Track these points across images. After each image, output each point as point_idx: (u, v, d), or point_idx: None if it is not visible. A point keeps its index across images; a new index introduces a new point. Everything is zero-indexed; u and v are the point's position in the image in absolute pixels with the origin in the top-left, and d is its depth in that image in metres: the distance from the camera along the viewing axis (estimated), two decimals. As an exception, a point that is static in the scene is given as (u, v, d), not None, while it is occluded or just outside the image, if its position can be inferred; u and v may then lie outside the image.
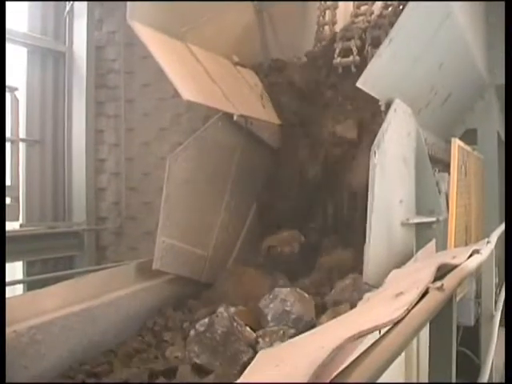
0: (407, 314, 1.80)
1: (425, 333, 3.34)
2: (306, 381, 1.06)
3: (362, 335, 1.41)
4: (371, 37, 5.99)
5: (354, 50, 6.04)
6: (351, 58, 6.04)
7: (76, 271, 7.47)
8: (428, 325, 2.77)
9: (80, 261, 8.20)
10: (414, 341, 3.44)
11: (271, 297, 4.49)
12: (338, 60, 6.12)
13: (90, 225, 8.34)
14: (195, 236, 5.18)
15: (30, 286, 7.05)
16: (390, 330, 1.68)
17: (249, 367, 1.75)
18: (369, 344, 1.59)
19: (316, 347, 1.34)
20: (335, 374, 1.31)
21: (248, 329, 4.10)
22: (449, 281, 2.45)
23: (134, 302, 4.62)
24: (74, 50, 8.41)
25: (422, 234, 5.07)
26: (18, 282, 7.41)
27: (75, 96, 8.39)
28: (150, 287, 4.88)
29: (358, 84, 4.42)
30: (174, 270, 5.00)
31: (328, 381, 1.24)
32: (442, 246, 5.01)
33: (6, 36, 7.32)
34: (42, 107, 8.16)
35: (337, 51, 6.16)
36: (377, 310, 2.20)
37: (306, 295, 4.59)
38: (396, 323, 1.71)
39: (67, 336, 3.91)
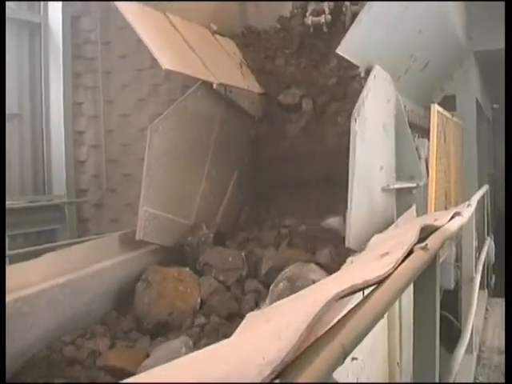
0: (394, 270, 1.83)
1: (406, 296, 3.40)
2: (303, 329, 1.08)
3: (353, 290, 1.44)
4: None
5: (327, 10, 6.00)
6: (323, 16, 6.00)
7: (58, 244, 7.45)
8: (411, 287, 2.82)
9: (61, 234, 8.18)
10: (396, 304, 3.50)
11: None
12: (309, 19, 6.08)
13: (70, 198, 8.30)
14: (177, 205, 5.18)
15: (12, 259, 7.02)
16: (376, 288, 1.71)
17: (238, 328, 1.76)
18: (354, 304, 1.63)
19: (307, 303, 1.37)
20: (326, 329, 1.35)
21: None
22: (432, 241, 2.49)
23: (118, 272, 4.63)
24: (50, 21, 8.28)
25: (403, 199, 5.13)
26: (0, 256, 7.39)
27: (52, 68, 8.29)
28: (134, 258, 4.89)
29: (338, 51, 4.43)
30: (157, 239, 5.00)
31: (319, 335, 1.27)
32: (422, 211, 5.08)
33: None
34: (18, 80, 8.06)
35: (309, 10, 6.13)
36: (364, 268, 2.23)
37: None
38: (382, 280, 1.74)
39: (53, 308, 3.91)
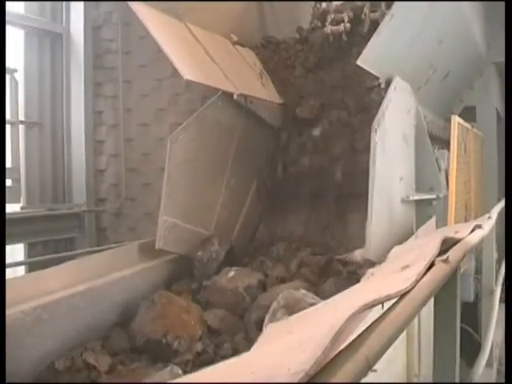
0: (416, 284, 1.83)
1: (425, 308, 3.37)
2: (327, 342, 1.08)
3: (376, 303, 1.44)
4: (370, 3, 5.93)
5: (346, 18, 5.99)
6: (342, 25, 5.99)
7: (77, 252, 7.50)
8: (431, 300, 2.81)
9: (80, 242, 8.23)
10: (415, 317, 3.48)
11: None
12: (328, 28, 6.08)
13: (89, 206, 8.36)
14: (197, 215, 5.20)
15: (32, 267, 7.08)
16: (398, 300, 1.71)
17: (258, 339, 1.76)
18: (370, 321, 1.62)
19: (329, 316, 1.37)
20: (348, 341, 1.35)
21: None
22: (453, 254, 2.48)
23: (137, 281, 4.65)
24: (72, 31, 8.37)
25: (422, 210, 5.11)
26: (20, 263, 7.45)
27: (73, 77, 8.37)
28: (153, 267, 4.90)
29: (359, 62, 4.43)
30: (176, 248, 5.02)
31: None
32: (442, 223, 5.06)
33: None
34: (40, 89, 8.14)
35: (328, 20, 6.13)
36: (385, 281, 2.22)
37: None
38: (404, 294, 1.74)
39: (73, 315, 3.93)
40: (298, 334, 1.38)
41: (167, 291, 4.66)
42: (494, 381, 5.44)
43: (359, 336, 1.35)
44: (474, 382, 4.08)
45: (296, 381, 0.93)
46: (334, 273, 4.80)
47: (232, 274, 4.80)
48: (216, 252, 5.09)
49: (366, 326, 1.49)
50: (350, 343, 1.29)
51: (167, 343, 4.00)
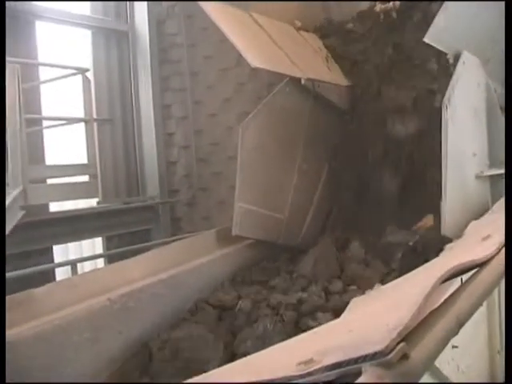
0: (499, 251, 1.85)
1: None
2: (421, 299, 1.13)
3: (462, 268, 1.48)
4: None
5: None
6: (391, 3, 5.95)
7: (153, 243, 7.64)
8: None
9: (156, 233, 8.39)
10: (495, 290, 3.46)
11: None
12: (378, 7, 6.05)
13: (163, 198, 8.51)
14: (271, 200, 5.27)
15: (110, 259, 7.26)
16: (483, 266, 1.74)
17: (346, 310, 1.81)
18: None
19: (417, 282, 1.42)
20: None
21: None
22: (534, 223, 2.47)
23: (215, 267, 4.75)
24: (136, 28, 8.52)
25: (497, 186, 5.04)
26: (99, 256, 7.68)
27: (140, 73, 8.51)
28: (230, 253, 5.00)
29: (426, 39, 4.42)
30: (253, 234, 5.10)
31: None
32: (517, 198, 4.98)
33: (71, 20, 7.57)
34: (109, 87, 8.31)
35: None
36: (468, 251, 2.24)
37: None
38: (488, 260, 1.76)
39: (156, 302, 4.06)
40: (388, 299, 1.43)
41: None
42: None
43: (449, 298, 1.40)
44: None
45: (395, 334, 0.99)
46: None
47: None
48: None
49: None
50: (441, 304, 1.33)
51: None
